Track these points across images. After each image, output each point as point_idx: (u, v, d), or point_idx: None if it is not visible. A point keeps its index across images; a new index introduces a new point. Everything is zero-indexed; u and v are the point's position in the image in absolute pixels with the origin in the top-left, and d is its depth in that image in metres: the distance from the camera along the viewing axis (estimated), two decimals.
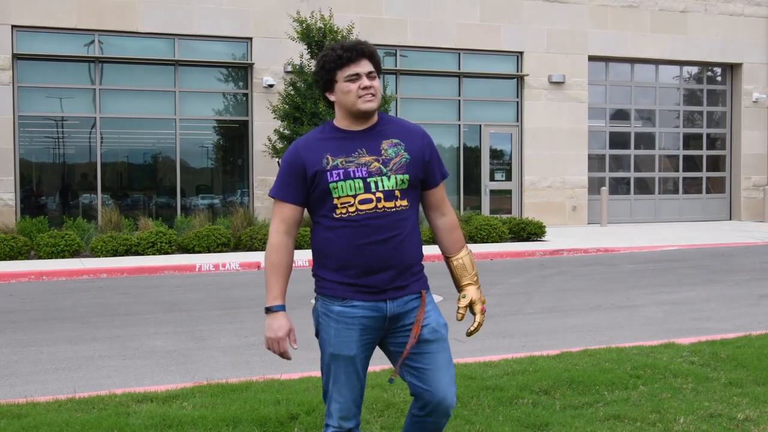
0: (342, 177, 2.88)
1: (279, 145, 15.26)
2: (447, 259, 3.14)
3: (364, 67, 2.94)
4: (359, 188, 2.88)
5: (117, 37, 16.81)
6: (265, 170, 17.23)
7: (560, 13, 19.88)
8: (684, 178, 22.10)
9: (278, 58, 17.28)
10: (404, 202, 2.93)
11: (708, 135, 22.39)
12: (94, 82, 16.69)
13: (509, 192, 19.76)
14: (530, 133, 19.74)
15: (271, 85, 17.19)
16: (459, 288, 3.13)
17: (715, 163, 22.48)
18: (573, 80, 20.04)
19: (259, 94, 17.32)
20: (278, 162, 15.84)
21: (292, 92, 15.17)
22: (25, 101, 16.35)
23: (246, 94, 17.75)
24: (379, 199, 2.89)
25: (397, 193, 2.91)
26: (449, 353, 3.04)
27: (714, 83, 22.44)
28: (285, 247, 3.00)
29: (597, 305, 8.97)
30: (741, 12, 21.66)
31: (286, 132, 15.13)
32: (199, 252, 13.98)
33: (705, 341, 6.44)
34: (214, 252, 14.05)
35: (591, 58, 20.36)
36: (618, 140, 21.41)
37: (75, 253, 13.57)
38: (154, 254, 13.71)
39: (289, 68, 16.02)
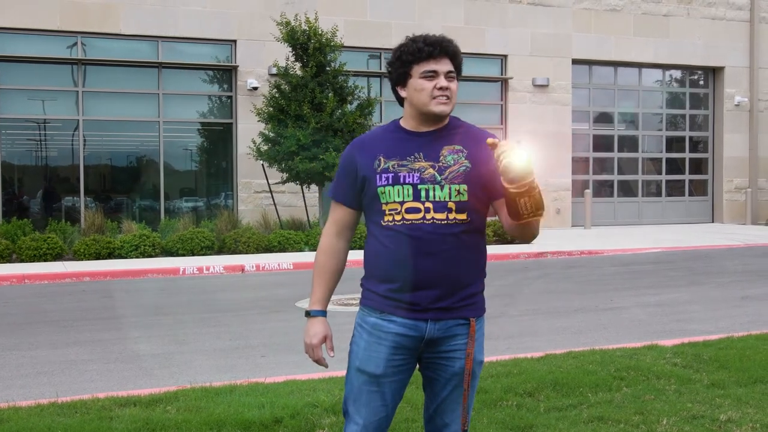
0: (390, 182, 2.63)
1: (263, 148, 15.23)
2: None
3: (444, 65, 2.65)
4: (408, 195, 2.62)
5: (100, 39, 16.72)
6: (249, 173, 17.18)
7: (544, 16, 19.96)
8: (667, 181, 22.23)
9: (262, 61, 17.26)
10: (462, 216, 2.63)
11: (690, 138, 22.54)
12: (77, 84, 16.59)
13: None
14: (514, 135, 19.79)
15: (255, 88, 17.16)
16: None
17: (698, 166, 22.63)
18: (557, 83, 20.13)
19: (244, 97, 17.28)
20: (263, 165, 15.81)
21: (277, 95, 15.14)
22: (6, 103, 16.22)
23: (230, 97, 17.70)
24: (427, 210, 2.61)
25: (451, 204, 2.61)
26: (474, 392, 2.80)
27: (696, 87, 22.60)
28: (334, 250, 2.79)
29: (581, 307, 9.00)
30: (723, 16, 21.83)
31: (271, 134, 15.10)
32: (183, 255, 13.92)
33: (688, 343, 6.48)
34: (198, 255, 14.00)
35: (574, 62, 20.46)
36: (601, 143, 21.51)
37: (57, 257, 13.47)
38: (137, 257, 13.64)
39: (274, 70, 16.00)
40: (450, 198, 2.62)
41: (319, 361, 2.80)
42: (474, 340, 2.70)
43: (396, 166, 2.65)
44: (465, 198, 2.63)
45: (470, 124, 2.79)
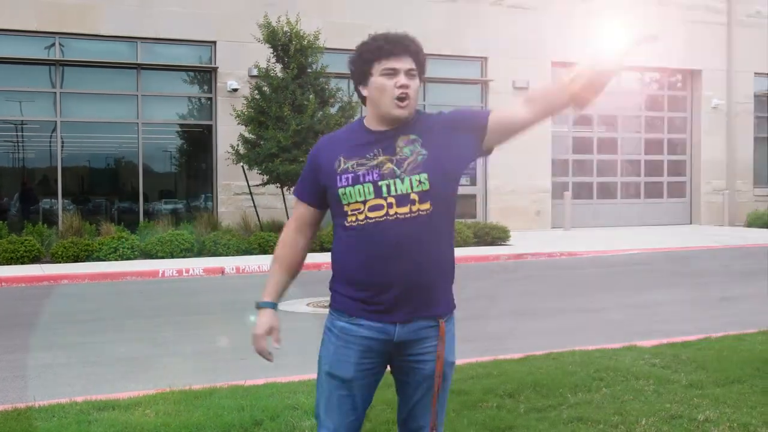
0: (351, 182, 2.60)
1: (242, 150, 15.18)
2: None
3: (405, 63, 2.61)
4: (369, 193, 2.58)
5: (78, 40, 16.58)
6: (229, 175, 17.09)
7: (524, 19, 20.02)
8: (646, 183, 22.38)
9: (243, 62, 17.17)
10: (425, 206, 2.57)
11: (669, 140, 22.71)
12: (55, 85, 16.45)
13: (474, 196, 19.83)
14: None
15: (235, 90, 17.09)
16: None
17: (676, 168, 22.80)
18: (537, 85, 20.19)
19: (224, 99, 17.20)
20: (242, 167, 15.75)
21: (258, 96, 15.09)
22: None
23: (210, 98, 17.62)
24: (390, 205, 2.56)
25: (413, 196, 2.56)
26: (446, 393, 2.79)
27: (675, 89, 22.77)
28: (292, 243, 2.77)
29: (561, 309, 9.04)
30: (701, 19, 22.00)
31: (251, 137, 15.05)
32: (162, 257, 13.83)
33: (666, 344, 6.52)
34: (178, 257, 13.91)
35: (554, 64, 20.54)
36: (581, 145, 21.62)
37: (35, 259, 13.35)
38: (116, 260, 13.54)
39: (255, 72, 15.94)
40: (412, 189, 2.57)
41: (262, 353, 2.73)
42: (444, 342, 2.67)
43: (355, 165, 2.62)
44: (427, 186, 2.58)
45: (425, 112, 2.75)
